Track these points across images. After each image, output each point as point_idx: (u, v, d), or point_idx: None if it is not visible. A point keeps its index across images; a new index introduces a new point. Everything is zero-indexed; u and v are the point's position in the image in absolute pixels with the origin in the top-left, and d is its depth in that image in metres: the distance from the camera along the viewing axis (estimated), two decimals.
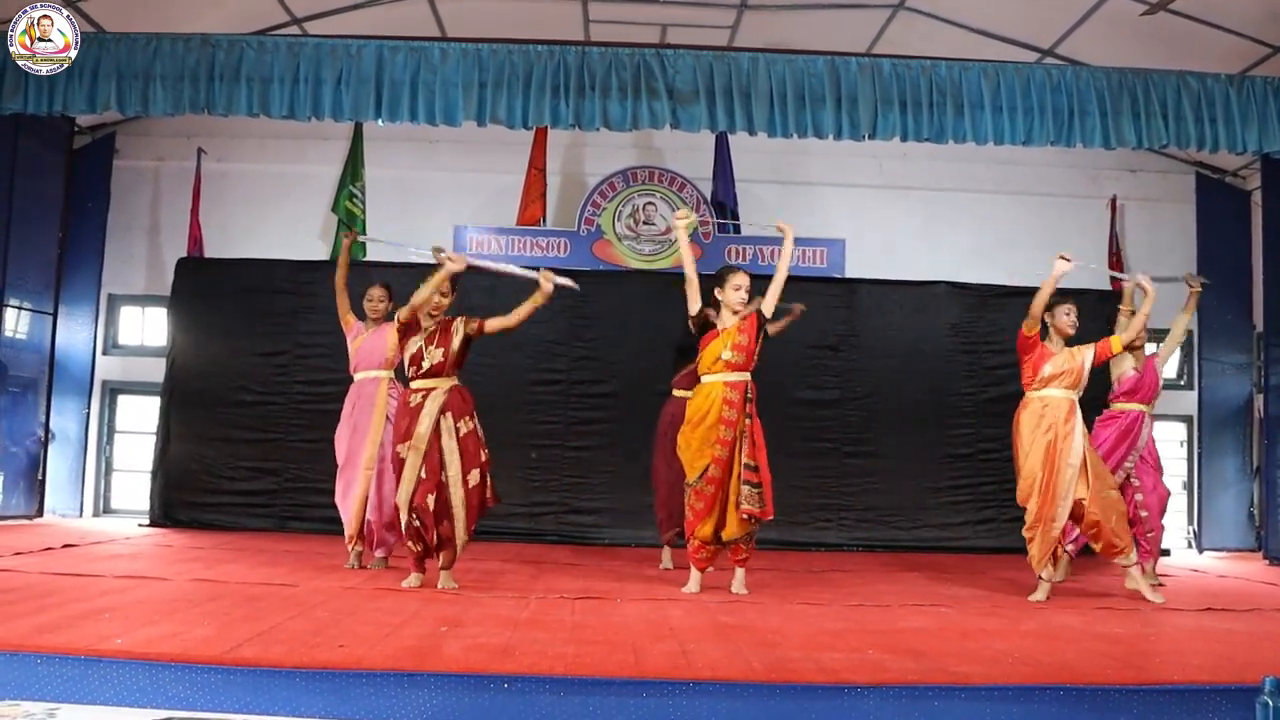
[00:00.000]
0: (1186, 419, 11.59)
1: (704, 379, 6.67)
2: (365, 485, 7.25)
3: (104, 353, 11.32)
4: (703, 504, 6.56)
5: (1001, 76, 8.15)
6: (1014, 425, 6.93)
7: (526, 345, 10.35)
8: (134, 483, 11.14)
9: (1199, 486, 11.19)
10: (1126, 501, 7.29)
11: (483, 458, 6.47)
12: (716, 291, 6.69)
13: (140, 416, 11.29)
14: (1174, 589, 7.68)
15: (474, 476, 6.40)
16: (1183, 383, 11.71)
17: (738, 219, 11.05)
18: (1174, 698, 4.00)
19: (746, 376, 6.60)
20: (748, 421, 6.53)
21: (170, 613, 5.06)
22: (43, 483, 10.56)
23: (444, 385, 6.46)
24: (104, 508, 11.32)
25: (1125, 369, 7.78)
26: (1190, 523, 11.40)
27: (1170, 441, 11.67)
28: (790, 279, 10.63)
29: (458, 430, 6.41)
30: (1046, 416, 6.72)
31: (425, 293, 6.40)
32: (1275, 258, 10.29)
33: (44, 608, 5.00)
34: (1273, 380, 10.39)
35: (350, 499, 7.31)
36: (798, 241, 10.84)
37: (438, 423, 6.37)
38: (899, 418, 10.39)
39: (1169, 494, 7.87)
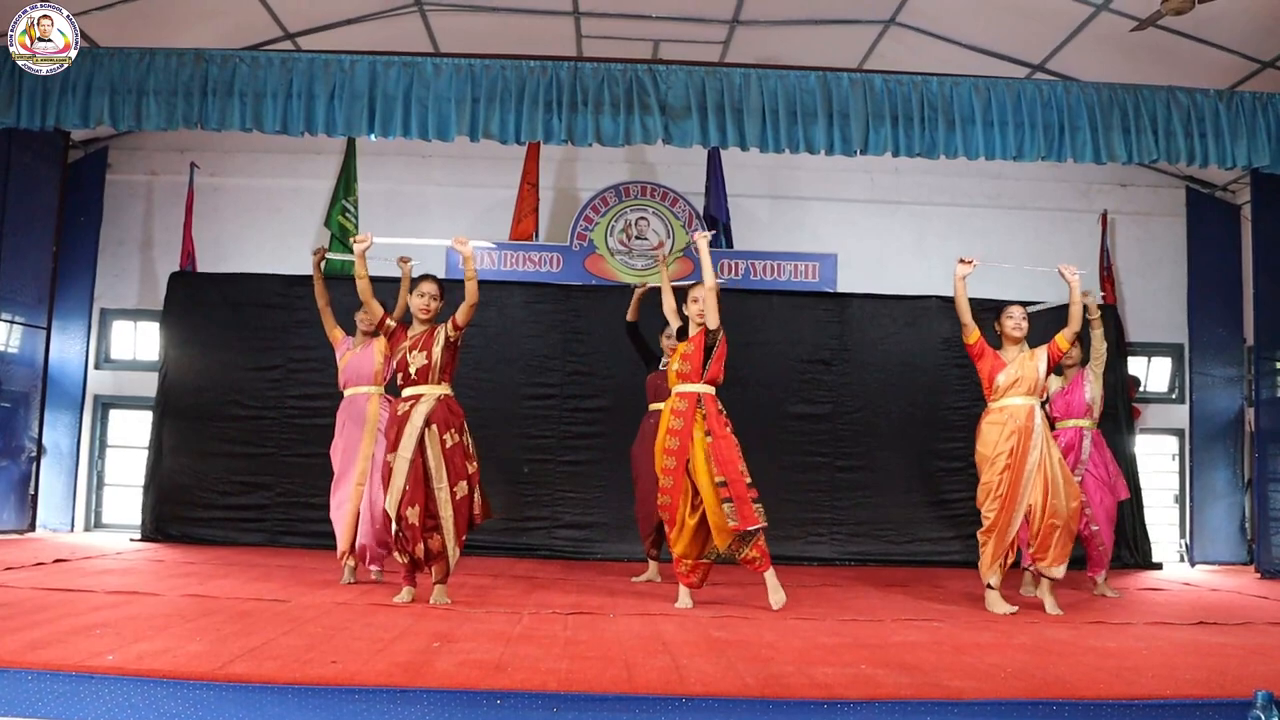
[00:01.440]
0: (1178, 432, 11.63)
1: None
2: (356, 501, 7.30)
3: (96, 367, 11.31)
4: (666, 514, 6.66)
5: (992, 91, 8.18)
6: (976, 433, 7.05)
7: (519, 360, 10.35)
8: (126, 497, 11.12)
9: (1190, 500, 11.20)
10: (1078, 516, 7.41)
11: (470, 470, 6.47)
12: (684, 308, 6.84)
13: (132, 431, 11.28)
14: (1166, 602, 7.70)
15: (461, 489, 6.39)
16: (1174, 396, 11.75)
17: (730, 233, 11.09)
18: (1166, 712, 4.01)
19: (697, 389, 6.63)
20: (708, 439, 6.53)
21: (162, 628, 5.05)
22: (35, 497, 10.52)
23: (431, 393, 6.46)
24: (96, 522, 11.31)
25: (1053, 389, 8.08)
26: (1182, 536, 11.43)
27: (1162, 455, 11.71)
28: (783, 293, 10.76)
29: (443, 443, 6.39)
30: (1009, 425, 6.80)
31: (360, 284, 6.62)
32: (1265, 271, 10.32)
33: (35, 623, 4.99)
34: (1264, 394, 10.42)
35: (342, 514, 7.36)
36: (789, 256, 11.01)
37: (423, 434, 6.36)
38: (891, 432, 10.40)
39: (1115, 503, 8.10)
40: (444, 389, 6.52)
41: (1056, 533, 6.72)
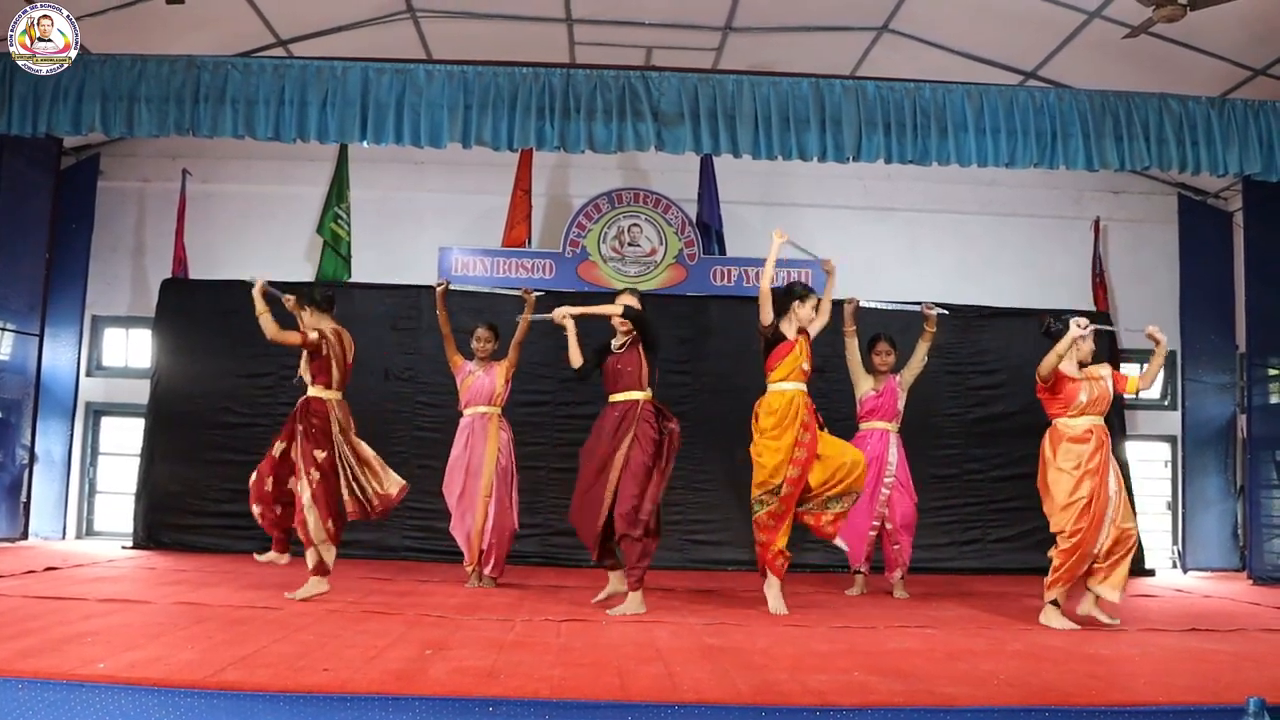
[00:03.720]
0: (1170, 439, 11.63)
1: (781, 386, 6.99)
2: (484, 511, 7.78)
3: (88, 374, 11.27)
4: (784, 510, 6.91)
5: (985, 98, 8.19)
6: (1044, 451, 6.80)
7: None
8: (118, 505, 11.08)
9: (1183, 506, 11.20)
10: (876, 519, 8.25)
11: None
12: (795, 305, 7.12)
13: (124, 438, 11.24)
14: (1159, 609, 7.71)
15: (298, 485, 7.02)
16: (1166, 403, 11.76)
17: (723, 240, 11.08)
18: (1160, 718, 4.01)
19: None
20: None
21: (154, 636, 5.04)
22: (27, 505, 10.48)
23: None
24: (88, 530, 11.26)
25: (865, 390, 8.40)
26: (1174, 542, 11.42)
27: (1154, 461, 11.72)
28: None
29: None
30: (1090, 443, 6.62)
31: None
32: (1257, 278, 10.35)
33: (26, 632, 4.97)
34: (1256, 400, 10.43)
35: (466, 525, 7.85)
36: (781, 263, 10.90)
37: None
38: None
39: (915, 513, 8.44)
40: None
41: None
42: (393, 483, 7.09)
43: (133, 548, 10.09)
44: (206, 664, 4.29)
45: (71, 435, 11.03)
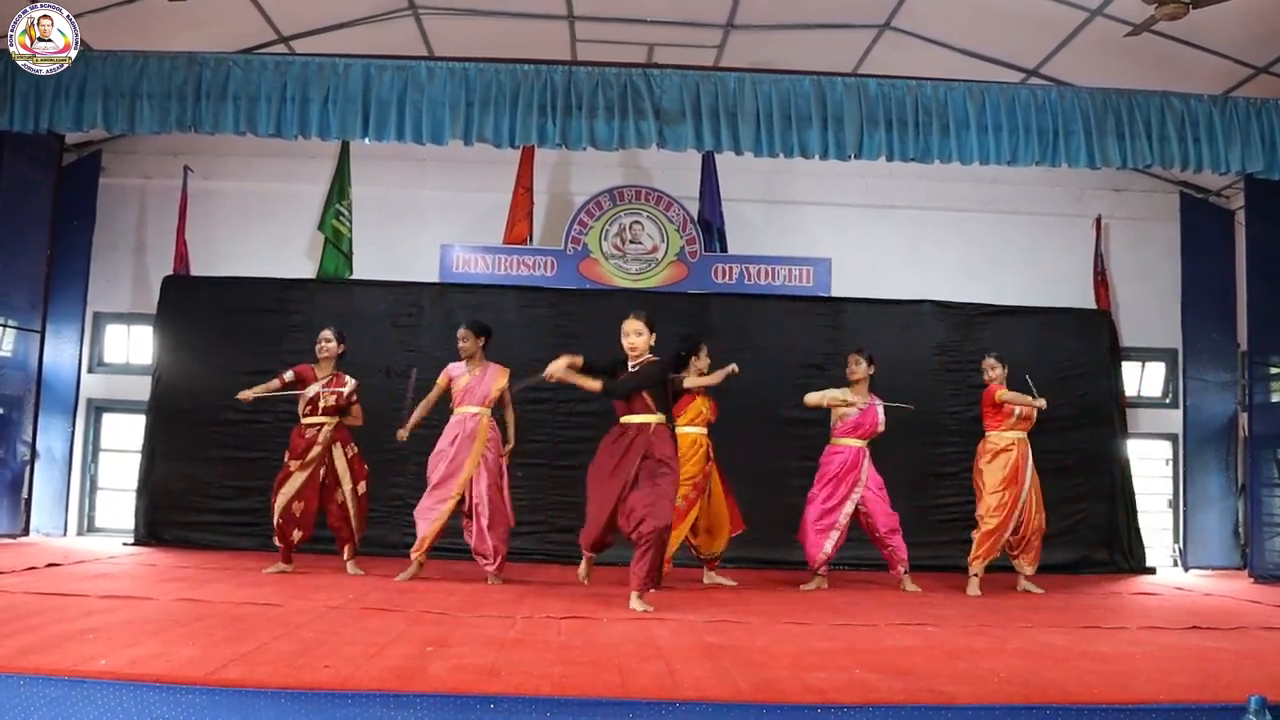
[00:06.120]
0: (1171, 437, 11.64)
1: (689, 430, 8.27)
2: (450, 508, 7.88)
3: (89, 371, 11.28)
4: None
5: (987, 96, 8.19)
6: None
7: (513, 365, 10.22)
8: (119, 501, 11.10)
9: (1184, 504, 11.22)
10: (837, 528, 8.44)
11: (365, 471, 8.29)
12: (693, 360, 8.43)
13: (125, 435, 11.26)
14: (1159, 607, 7.72)
15: (361, 487, 8.23)
16: (1168, 401, 11.76)
17: (724, 238, 11.08)
18: (1160, 716, 4.00)
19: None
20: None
21: (155, 633, 5.03)
22: (29, 501, 10.49)
23: (333, 421, 8.14)
24: (89, 526, 11.28)
25: (850, 411, 8.50)
26: (1175, 541, 11.43)
27: (1155, 460, 11.72)
28: (777, 298, 10.76)
29: (346, 453, 8.19)
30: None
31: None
32: (1258, 276, 10.34)
33: (27, 628, 4.97)
34: (1257, 398, 10.42)
35: (434, 516, 7.91)
36: (783, 260, 11.00)
37: (330, 449, 8.12)
38: (884, 436, 10.32)
39: (897, 516, 8.57)
40: (339, 418, 8.23)
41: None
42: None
43: (134, 544, 10.10)
44: (208, 660, 4.28)
45: (73, 432, 11.04)
